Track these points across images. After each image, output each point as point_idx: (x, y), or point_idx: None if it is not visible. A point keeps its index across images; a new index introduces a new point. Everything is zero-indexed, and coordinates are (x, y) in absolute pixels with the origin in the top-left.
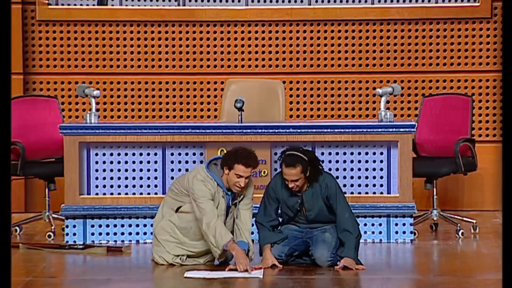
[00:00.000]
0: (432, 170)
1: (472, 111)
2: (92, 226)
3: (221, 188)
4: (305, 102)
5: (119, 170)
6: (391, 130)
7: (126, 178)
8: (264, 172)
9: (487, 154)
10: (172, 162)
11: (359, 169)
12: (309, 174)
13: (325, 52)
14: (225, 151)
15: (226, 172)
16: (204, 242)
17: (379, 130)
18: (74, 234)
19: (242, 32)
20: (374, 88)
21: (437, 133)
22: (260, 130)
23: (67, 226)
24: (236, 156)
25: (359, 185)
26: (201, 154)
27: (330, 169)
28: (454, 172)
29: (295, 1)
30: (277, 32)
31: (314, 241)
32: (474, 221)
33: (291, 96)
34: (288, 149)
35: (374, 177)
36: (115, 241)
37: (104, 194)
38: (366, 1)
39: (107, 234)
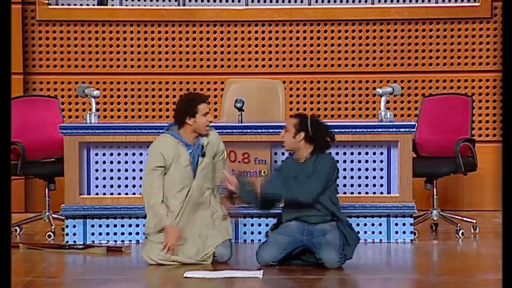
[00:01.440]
0: (432, 170)
1: (472, 111)
2: (92, 226)
3: (180, 141)
4: (305, 102)
5: (119, 170)
6: (391, 130)
7: (126, 178)
8: (264, 172)
9: (487, 154)
10: None
11: (359, 169)
12: (306, 140)
13: (325, 52)
14: (225, 151)
15: (191, 122)
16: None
17: (379, 130)
18: (74, 234)
19: (242, 32)
20: (374, 88)
21: (437, 133)
22: (260, 130)
23: (67, 226)
24: (192, 101)
25: (359, 185)
26: None
27: None
28: (454, 172)
29: (295, 1)
30: (277, 32)
31: (317, 245)
32: (474, 221)
33: (291, 96)
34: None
35: (374, 177)
36: (115, 241)
37: (104, 194)
38: (366, 1)
39: (107, 234)
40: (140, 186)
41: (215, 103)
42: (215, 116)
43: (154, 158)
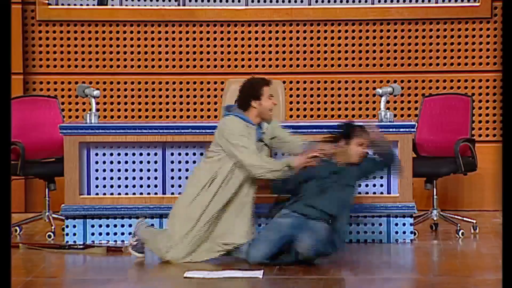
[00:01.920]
0: (432, 170)
1: (472, 111)
2: (92, 226)
3: (249, 123)
4: (305, 102)
5: (119, 170)
6: (391, 130)
7: (126, 178)
8: None
9: (487, 154)
10: (172, 162)
11: None
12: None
13: (325, 52)
14: None
15: (256, 105)
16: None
17: (379, 130)
18: (74, 234)
19: (242, 32)
20: (374, 88)
21: (437, 133)
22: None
23: (67, 226)
24: (257, 84)
25: (359, 185)
26: (201, 154)
27: None
28: (454, 172)
29: (295, 1)
30: (277, 32)
31: (301, 231)
32: (474, 221)
33: (291, 96)
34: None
35: (374, 177)
36: (115, 241)
37: (104, 194)
38: (366, 1)
39: (107, 234)
40: (141, 186)
41: (215, 103)
42: (215, 116)
43: (241, 135)
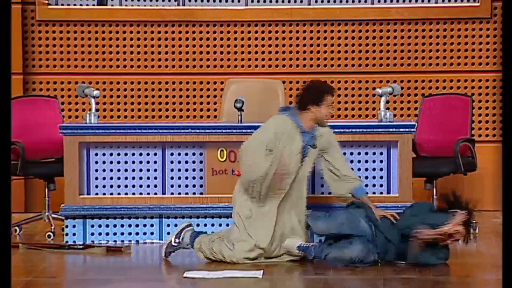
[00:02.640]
0: (432, 170)
1: (472, 111)
2: (92, 226)
3: (298, 126)
4: None
5: (119, 170)
6: (391, 130)
7: (126, 178)
8: None
9: (487, 154)
10: (172, 162)
11: (359, 169)
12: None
13: (325, 52)
14: (225, 151)
15: (314, 110)
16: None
17: (379, 130)
18: (74, 234)
19: (242, 32)
20: (374, 88)
21: (437, 133)
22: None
23: (66, 226)
24: (321, 90)
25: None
26: (201, 154)
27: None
28: (454, 172)
29: (295, 1)
30: (277, 32)
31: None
32: (474, 221)
33: (291, 96)
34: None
35: (374, 177)
36: (115, 241)
37: (104, 194)
38: (366, 1)
39: (107, 234)
40: (140, 186)
41: (215, 103)
42: (215, 116)
43: (267, 135)
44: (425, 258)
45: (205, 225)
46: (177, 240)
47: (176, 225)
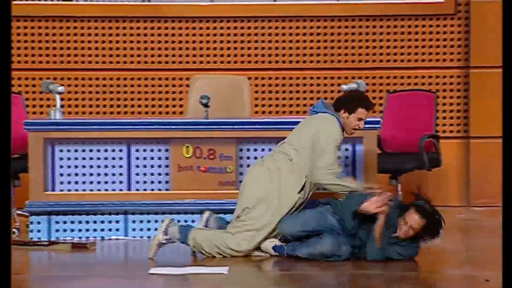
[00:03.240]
0: (397, 166)
1: (437, 107)
2: (57, 222)
3: (343, 129)
4: (270, 99)
5: (84, 166)
6: None
7: (91, 174)
8: (230, 168)
9: (451, 150)
10: (137, 158)
11: None
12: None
13: (290, 48)
14: (190, 147)
15: (345, 115)
16: None
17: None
18: (39, 231)
19: (208, 28)
20: (339, 85)
21: (402, 129)
22: (225, 126)
23: (31, 223)
24: (360, 100)
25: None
26: (167, 150)
27: None
28: (419, 168)
29: None
30: (242, 28)
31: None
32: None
33: (256, 92)
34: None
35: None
36: (80, 237)
37: (69, 190)
38: None
39: (72, 230)
40: (106, 182)
41: (181, 99)
42: (181, 113)
43: (336, 139)
44: (391, 253)
45: None
46: (165, 237)
47: (141, 222)
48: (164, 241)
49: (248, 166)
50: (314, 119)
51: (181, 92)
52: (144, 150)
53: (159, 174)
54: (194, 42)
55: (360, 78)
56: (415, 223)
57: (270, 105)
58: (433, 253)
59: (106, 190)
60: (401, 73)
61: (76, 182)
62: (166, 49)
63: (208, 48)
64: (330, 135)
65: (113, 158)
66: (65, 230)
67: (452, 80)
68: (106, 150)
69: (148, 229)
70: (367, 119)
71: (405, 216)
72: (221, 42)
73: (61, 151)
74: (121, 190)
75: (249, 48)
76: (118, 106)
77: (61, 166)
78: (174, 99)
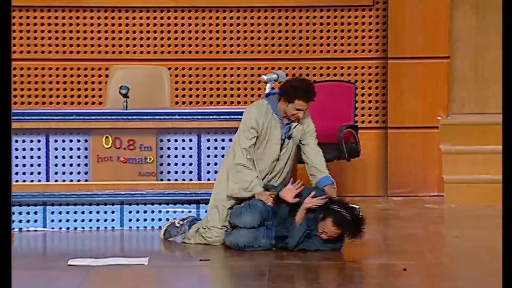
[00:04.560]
0: None
1: (355, 98)
2: None
3: (276, 115)
4: (190, 89)
5: None
6: None
7: (17, 165)
8: (150, 159)
9: (370, 141)
10: (56, 149)
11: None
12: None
13: (211, 38)
14: (110, 138)
15: (284, 104)
16: None
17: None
18: None
19: (127, 18)
20: (259, 75)
21: (321, 119)
22: (145, 117)
23: None
24: (297, 91)
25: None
26: (86, 141)
27: (209, 156)
28: (338, 158)
29: None
30: (162, 18)
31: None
32: (357, 206)
33: (176, 82)
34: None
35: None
36: None
37: None
38: None
39: None
40: (24, 173)
41: (100, 89)
42: (100, 103)
43: (250, 121)
44: (316, 244)
45: (90, 212)
46: (181, 222)
47: (60, 213)
48: (178, 225)
49: (168, 156)
50: None
51: (100, 83)
52: (63, 141)
53: (78, 165)
54: (113, 32)
55: (280, 68)
56: (333, 233)
57: (190, 96)
58: (352, 243)
59: (24, 181)
60: (320, 63)
61: None
62: (85, 39)
63: (127, 38)
64: (244, 119)
65: (32, 149)
66: None
67: (370, 71)
68: (24, 141)
69: (67, 220)
70: None
71: (323, 225)
72: (141, 32)
73: None
74: (39, 181)
75: (169, 38)
76: (36, 96)
77: None
78: (93, 89)
